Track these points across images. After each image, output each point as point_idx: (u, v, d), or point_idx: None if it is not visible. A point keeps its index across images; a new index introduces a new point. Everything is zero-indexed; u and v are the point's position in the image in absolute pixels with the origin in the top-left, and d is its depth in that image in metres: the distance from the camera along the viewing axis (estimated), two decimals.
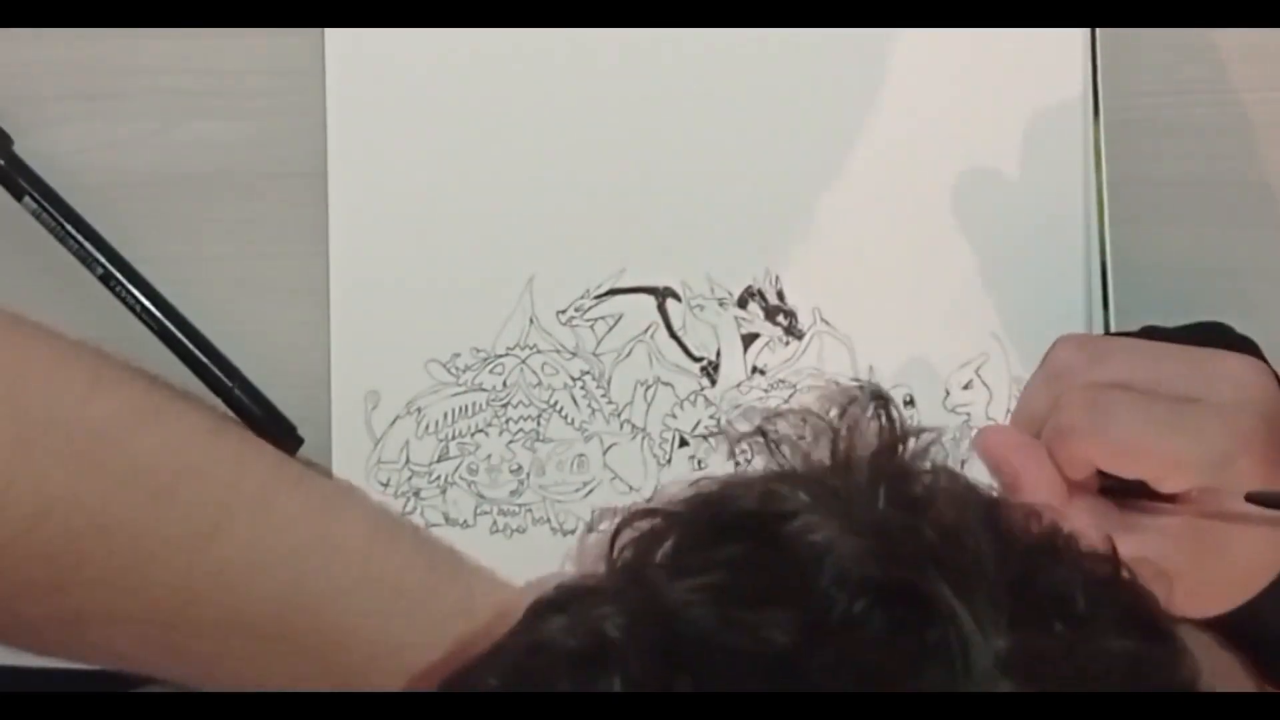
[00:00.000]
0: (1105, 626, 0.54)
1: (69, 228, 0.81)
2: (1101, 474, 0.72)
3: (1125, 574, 0.56)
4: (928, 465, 0.57)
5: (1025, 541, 0.55)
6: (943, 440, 0.58)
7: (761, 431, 0.59)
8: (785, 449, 0.58)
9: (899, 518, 0.54)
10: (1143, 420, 0.70)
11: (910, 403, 0.81)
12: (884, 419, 0.58)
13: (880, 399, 0.58)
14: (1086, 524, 0.70)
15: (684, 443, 0.82)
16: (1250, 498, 0.68)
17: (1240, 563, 0.72)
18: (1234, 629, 0.74)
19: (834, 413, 0.58)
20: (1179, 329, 0.76)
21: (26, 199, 0.81)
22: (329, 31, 0.81)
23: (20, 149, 0.81)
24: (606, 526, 0.56)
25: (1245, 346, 0.75)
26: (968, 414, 0.81)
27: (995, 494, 0.58)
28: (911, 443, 0.57)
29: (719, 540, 0.54)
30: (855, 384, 0.63)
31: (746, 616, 0.51)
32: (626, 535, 0.55)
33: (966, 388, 0.81)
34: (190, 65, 0.82)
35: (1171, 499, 0.71)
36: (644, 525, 0.55)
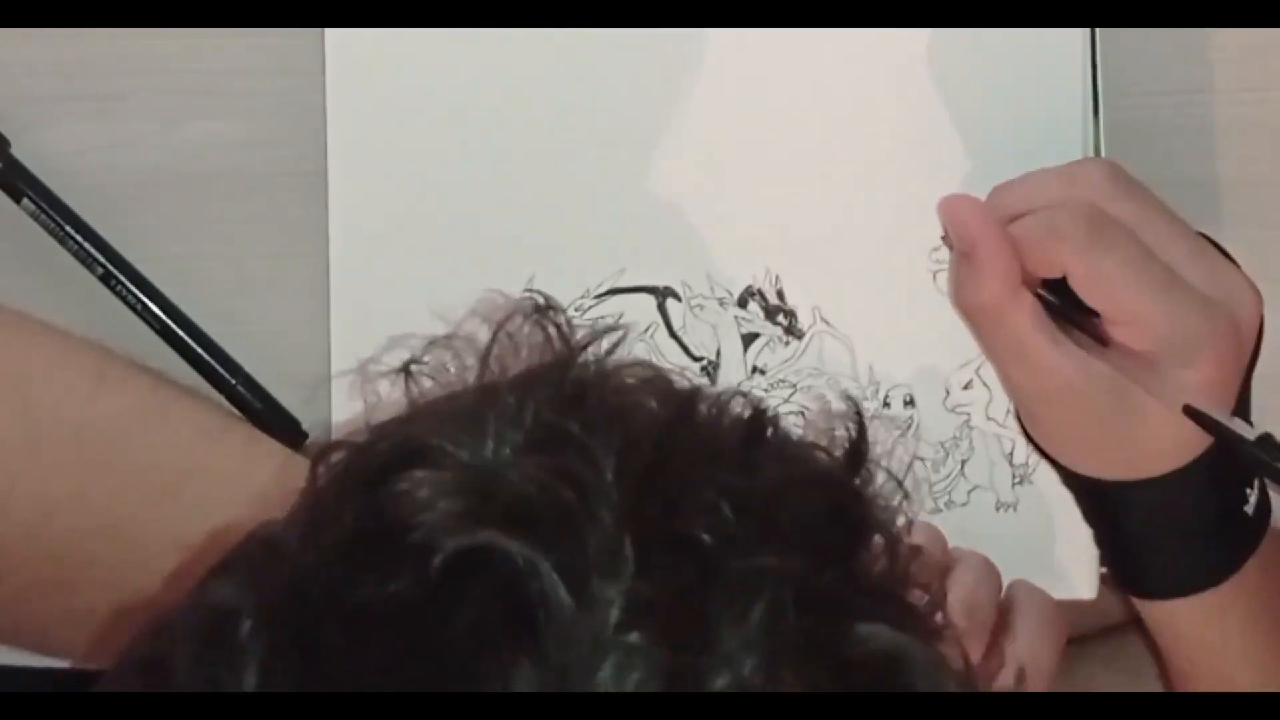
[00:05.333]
0: (758, 544, 0.45)
1: (68, 229, 0.81)
2: (1048, 287, 0.72)
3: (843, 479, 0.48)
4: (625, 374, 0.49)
5: (715, 433, 0.48)
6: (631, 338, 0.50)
7: (406, 367, 0.52)
8: (434, 381, 0.52)
9: (544, 434, 0.46)
10: (1137, 267, 0.70)
11: (910, 403, 0.81)
12: (549, 330, 0.51)
13: (542, 309, 0.51)
14: (1028, 319, 0.72)
15: None
16: (1187, 411, 0.69)
17: (1154, 436, 0.72)
18: (1132, 499, 0.74)
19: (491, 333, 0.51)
20: None
21: (25, 201, 0.81)
22: (329, 31, 0.81)
23: (18, 150, 0.81)
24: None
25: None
26: (968, 414, 0.81)
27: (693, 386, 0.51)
28: (593, 351, 0.50)
29: (349, 497, 0.48)
30: (527, 295, 0.54)
31: (368, 579, 0.45)
32: (321, 470, 0.50)
33: (966, 388, 0.81)
34: (190, 65, 0.82)
35: (1104, 343, 0.71)
36: (337, 458, 0.50)
